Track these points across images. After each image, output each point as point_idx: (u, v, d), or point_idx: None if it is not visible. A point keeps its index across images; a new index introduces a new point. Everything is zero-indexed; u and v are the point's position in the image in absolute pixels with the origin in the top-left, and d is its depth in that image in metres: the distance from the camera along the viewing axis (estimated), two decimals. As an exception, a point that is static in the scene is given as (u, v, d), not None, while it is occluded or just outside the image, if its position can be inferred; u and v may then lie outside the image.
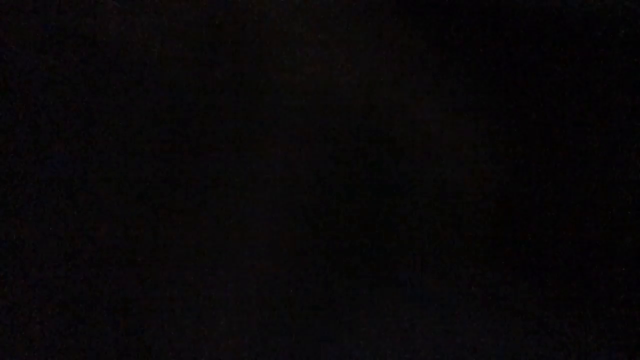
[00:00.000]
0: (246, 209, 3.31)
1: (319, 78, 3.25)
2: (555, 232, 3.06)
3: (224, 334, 3.21)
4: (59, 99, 3.23)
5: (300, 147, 3.32)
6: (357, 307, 3.26)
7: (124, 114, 3.28)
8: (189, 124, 3.29)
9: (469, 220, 3.15)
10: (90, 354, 3.13)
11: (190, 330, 3.18)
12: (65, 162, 3.24)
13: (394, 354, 3.16)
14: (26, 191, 3.18)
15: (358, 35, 3.23)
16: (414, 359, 3.11)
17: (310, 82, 3.24)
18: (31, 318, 3.11)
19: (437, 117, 3.20)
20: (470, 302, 3.07)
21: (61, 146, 3.22)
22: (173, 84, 3.25)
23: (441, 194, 3.22)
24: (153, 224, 3.27)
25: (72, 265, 3.17)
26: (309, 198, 3.32)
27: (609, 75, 3.03)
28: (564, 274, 3.04)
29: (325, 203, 3.29)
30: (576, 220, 3.06)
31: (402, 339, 3.20)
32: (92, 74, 3.25)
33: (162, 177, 3.30)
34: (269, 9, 3.32)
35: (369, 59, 3.20)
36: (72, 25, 3.24)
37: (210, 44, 3.33)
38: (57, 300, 3.14)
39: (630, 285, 2.97)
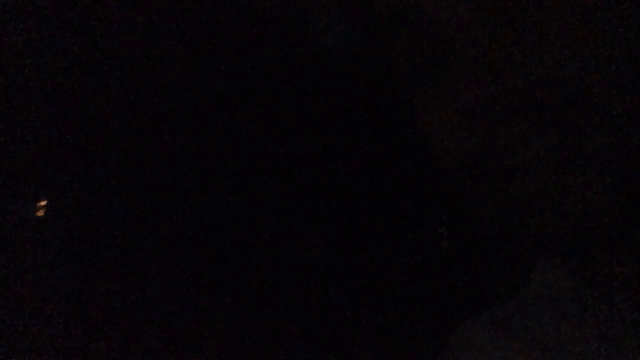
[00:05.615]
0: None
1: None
2: None
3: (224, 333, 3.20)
4: (58, 98, 3.23)
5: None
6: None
7: (124, 113, 3.27)
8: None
9: None
10: (89, 353, 3.12)
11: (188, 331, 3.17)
12: (66, 162, 3.23)
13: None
14: (27, 191, 3.17)
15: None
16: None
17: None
18: (31, 318, 3.10)
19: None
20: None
21: (61, 146, 3.22)
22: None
23: None
24: (153, 223, 3.26)
25: (72, 265, 3.17)
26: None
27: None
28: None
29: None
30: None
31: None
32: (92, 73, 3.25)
33: (163, 175, 3.29)
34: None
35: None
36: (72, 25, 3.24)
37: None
38: (57, 301, 3.14)
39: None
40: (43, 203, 3.21)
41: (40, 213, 3.21)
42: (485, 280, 3.14)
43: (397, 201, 3.36)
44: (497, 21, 2.86)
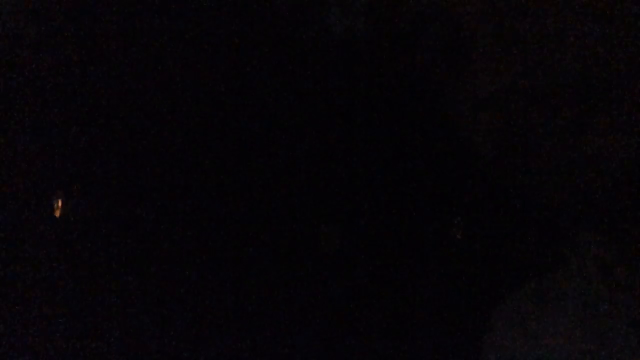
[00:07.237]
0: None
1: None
2: None
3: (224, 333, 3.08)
4: (59, 97, 3.25)
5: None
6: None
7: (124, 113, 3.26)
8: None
9: None
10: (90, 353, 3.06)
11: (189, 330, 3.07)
12: (65, 162, 3.23)
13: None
14: (26, 191, 3.18)
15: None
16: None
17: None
18: (31, 318, 3.08)
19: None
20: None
21: (61, 145, 3.22)
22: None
23: None
24: (154, 223, 3.20)
25: (73, 265, 3.14)
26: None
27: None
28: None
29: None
30: None
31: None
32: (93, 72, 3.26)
33: (163, 174, 3.24)
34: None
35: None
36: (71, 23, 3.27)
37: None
38: (57, 301, 3.10)
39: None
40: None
41: (58, 213, 3.20)
42: (523, 257, 3.13)
43: (415, 192, 3.25)
44: (506, 17, 3.11)
